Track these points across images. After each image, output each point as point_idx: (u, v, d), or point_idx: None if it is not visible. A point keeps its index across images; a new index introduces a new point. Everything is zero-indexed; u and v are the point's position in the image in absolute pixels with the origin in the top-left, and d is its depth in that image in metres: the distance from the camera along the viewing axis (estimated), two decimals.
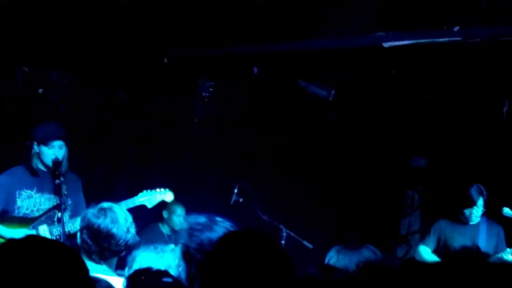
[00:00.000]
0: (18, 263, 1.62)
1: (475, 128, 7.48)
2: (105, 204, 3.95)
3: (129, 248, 3.93)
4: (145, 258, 4.50)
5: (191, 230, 3.43)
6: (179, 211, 7.43)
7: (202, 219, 3.48)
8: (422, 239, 7.04)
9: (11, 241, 1.72)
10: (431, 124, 7.70)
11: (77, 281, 1.69)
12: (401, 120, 7.81)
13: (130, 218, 3.94)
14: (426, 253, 6.85)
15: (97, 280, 3.16)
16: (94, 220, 3.83)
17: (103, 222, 3.81)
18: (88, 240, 3.82)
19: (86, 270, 1.76)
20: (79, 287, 1.69)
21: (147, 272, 3.39)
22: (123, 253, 3.97)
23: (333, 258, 4.01)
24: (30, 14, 6.04)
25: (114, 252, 3.84)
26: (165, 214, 7.52)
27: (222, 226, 3.43)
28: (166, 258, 4.53)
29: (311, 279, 2.82)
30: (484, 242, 6.68)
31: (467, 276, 1.73)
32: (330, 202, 8.56)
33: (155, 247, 4.61)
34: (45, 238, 1.79)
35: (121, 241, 3.80)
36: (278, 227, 6.78)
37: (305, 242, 6.75)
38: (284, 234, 6.76)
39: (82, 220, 3.92)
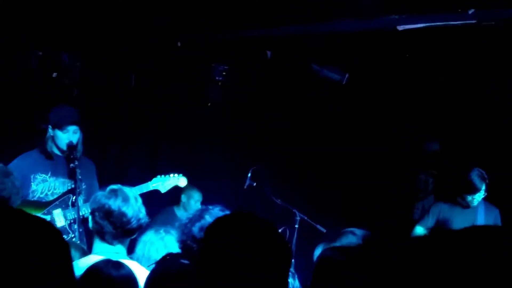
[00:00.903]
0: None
1: (488, 112, 7.45)
2: (114, 186, 4.00)
3: (141, 228, 3.96)
4: (147, 241, 4.57)
5: (183, 226, 3.54)
6: (197, 196, 7.47)
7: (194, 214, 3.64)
8: (420, 220, 7.03)
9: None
10: (445, 108, 7.66)
11: (56, 258, 1.68)
12: (414, 103, 7.78)
13: (140, 199, 3.98)
14: (421, 231, 6.86)
15: (120, 265, 3.18)
16: (105, 200, 3.88)
17: (114, 202, 3.86)
18: (100, 221, 3.87)
19: (67, 249, 1.75)
20: (58, 265, 1.68)
21: (170, 254, 3.49)
22: (136, 234, 4.00)
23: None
24: None
25: (126, 231, 3.87)
26: (183, 198, 7.55)
27: (211, 213, 3.58)
28: (166, 241, 4.60)
29: (329, 259, 2.86)
30: (482, 225, 6.69)
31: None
32: (343, 186, 8.55)
33: (156, 230, 4.68)
34: (26, 214, 1.77)
35: (133, 219, 3.85)
36: (291, 211, 6.79)
37: (318, 226, 6.76)
38: (298, 218, 6.78)
39: (93, 202, 3.97)
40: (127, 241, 3.96)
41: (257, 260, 2.18)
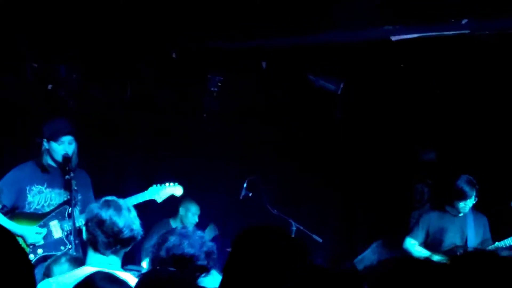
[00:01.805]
0: None
1: (483, 122, 7.47)
2: (108, 197, 4.02)
3: (134, 240, 3.96)
4: None
5: (150, 250, 3.89)
6: (194, 209, 7.49)
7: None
8: (410, 231, 7.05)
9: None
10: (440, 117, 7.68)
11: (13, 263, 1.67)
12: (410, 113, 7.79)
13: (134, 212, 4.00)
14: (412, 246, 6.86)
15: (115, 279, 3.18)
16: (97, 210, 3.90)
17: (106, 213, 3.87)
18: (93, 231, 3.88)
19: (25, 254, 1.73)
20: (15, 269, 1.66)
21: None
22: (130, 246, 3.99)
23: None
24: (38, 9, 6.05)
25: (119, 241, 3.87)
26: (181, 211, 7.56)
27: (176, 233, 3.92)
28: None
29: (317, 268, 2.87)
30: (472, 232, 6.74)
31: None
32: (339, 196, 8.56)
33: None
34: None
35: (125, 229, 3.84)
36: (287, 221, 6.79)
37: (314, 236, 6.76)
38: (294, 228, 6.77)
39: (87, 213, 3.99)
40: (121, 253, 3.95)
41: (282, 272, 2.22)
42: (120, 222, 3.85)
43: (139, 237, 3.99)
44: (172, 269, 3.65)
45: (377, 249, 3.82)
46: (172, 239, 3.85)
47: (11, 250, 1.69)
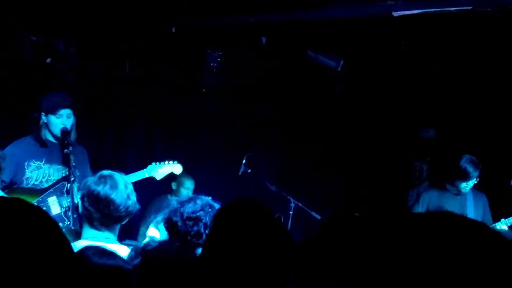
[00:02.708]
0: None
1: (484, 100, 7.45)
2: (105, 172, 4.00)
3: (130, 215, 3.95)
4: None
5: (173, 206, 3.66)
6: (188, 183, 7.41)
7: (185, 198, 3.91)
8: (411, 209, 7.05)
9: None
10: (440, 95, 7.65)
11: (58, 251, 1.66)
12: (409, 90, 7.76)
13: (130, 186, 3.98)
14: None
15: (110, 254, 3.17)
16: (93, 187, 3.88)
17: (102, 189, 3.86)
18: (89, 207, 3.87)
19: (67, 242, 1.72)
20: (60, 259, 1.66)
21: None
22: (125, 220, 3.98)
23: None
24: None
25: (115, 218, 3.87)
26: (173, 185, 7.51)
27: (201, 200, 3.80)
28: None
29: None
30: (472, 211, 6.75)
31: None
32: (338, 173, 8.56)
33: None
34: (26, 203, 1.74)
35: (121, 207, 3.84)
36: (286, 197, 6.78)
37: (313, 213, 6.76)
38: (292, 205, 6.77)
39: (83, 188, 3.98)
40: (117, 227, 3.95)
41: (260, 246, 2.22)
42: (117, 199, 3.84)
43: (135, 211, 3.99)
44: (176, 243, 3.67)
45: None
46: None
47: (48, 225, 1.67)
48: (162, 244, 3.76)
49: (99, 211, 3.85)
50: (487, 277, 1.31)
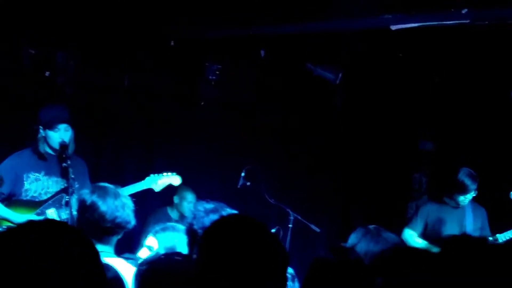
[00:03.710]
0: (31, 246, 1.64)
1: (482, 112, 7.46)
2: (100, 184, 3.98)
3: (121, 228, 3.89)
4: (169, 238, 4.46)
5: (197, 212, 3.56)
6: (190, 197, 7.38)
7: (210, 205, 3.63)
8: (409, 223, 7.04)
9: (28, 223, 1.74)
10: (439, 107, 7.67)
11: (88, 266, 1.70)
12: (408, 103, 7.78)
13: (124, 199, 3.93)
14: (411, 238, 6.85)
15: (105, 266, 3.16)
16: (84, 196, 3.88)
17: (90, 198, 3.84)
18: (80, 217, 3.86)
19: (97, 256, 1.77)
20: (90, 272, 1.70)
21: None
22: (119, 234, 3.94)
23: (354, 240, 3.96)
24: None
25: (104, 229, 3.81)
26: (175, 199, 7.49)
27: (227, 211, 3.64)
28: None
29: (323, 261, 2.86)
30: (471, 224, 6.74)
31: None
32: (337, 186, 8.56)
33: (173, 227, 4.60)
34: (60, 222, 1.80)
35: (107, 216, 3.79)
36: (285, 210, 6.78)
37: (312, 226, 6.76)
38: (292, 217, 6.77)
39: (77, 199, 3.96)
40: (111, 240, 3.90)
41: (255, 262, 2.21)
42: (102, 207, 3.81)
43: (129, 226, 3.93)
44: (178, 258, 3.63)
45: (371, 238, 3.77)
46: None
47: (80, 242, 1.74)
48: (168, 256, 3.73)
49: (87, 220, 3.82)
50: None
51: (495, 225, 6.87)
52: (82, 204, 3.87)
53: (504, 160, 7.40)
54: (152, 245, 4.26)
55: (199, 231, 3.56)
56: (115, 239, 3.93)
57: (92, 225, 3.81)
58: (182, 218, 7.43)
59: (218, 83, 7.50)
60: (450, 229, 6.82)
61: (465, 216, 6.78)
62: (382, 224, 7.51)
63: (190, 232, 3.61)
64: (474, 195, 6.70)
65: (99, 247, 3.78)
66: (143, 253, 4.23)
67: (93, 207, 3.81)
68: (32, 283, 1.59)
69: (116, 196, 3.90)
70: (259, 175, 6.94)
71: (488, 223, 6.91)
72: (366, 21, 5.95)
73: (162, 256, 3.49)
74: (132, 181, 5.85)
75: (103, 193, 3.87)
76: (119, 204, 3.87)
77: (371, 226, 3.86)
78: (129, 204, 3.95)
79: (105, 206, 3.81)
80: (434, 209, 6.91)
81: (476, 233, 6.73)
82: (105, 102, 7.45)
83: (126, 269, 3.60)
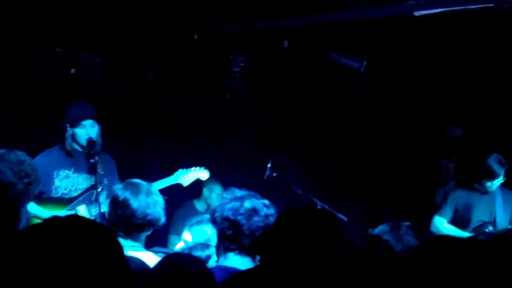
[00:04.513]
0: (54, 240, 1.67)
1: (510, 97, 7.38)
2: (133, 180, 4.02)
3: (151, 225, 3.93)
4: (202, 231, 4.45)
5: (222, 200, 3.54)
6: (219, 189, 7.41)
7: (239, 193, 3.59)
8: (438, 210, 7.00)
9: (53, 219, 1.77)
10: (466, 93, 7.60)
11: (112, 260, 1.73)
12: (434, 89, 7.72)
13: (156, 197, 3.96)
14: (441, 224, 6.81)
15: (129, 259, 3.20)
16: (117, 192, 3.92)
17: (123, 194, 3.88)
18: (112, 213, 3.91)
19: (121, 250, 1.80)
20: (114, 267, 1.73)
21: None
22: (148, 231, 3.98)
23: (381, 231, 3.94)
24: None
25: (134, 226, 3.86)
26: (205, 191, 7.54)
27: (253, 202, 3.52)
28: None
29: (356, 247, 2.92)
30: (501, 210, 6.68)
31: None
32: (364, 174, 8.53)
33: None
34: (83, 218, 1.83)
35: (138, 213, 3.83)
36: (312, 200, 6.78)
37: (339, 215, 6.75)
38: (319, 207, 6.76)
39: (110, 194, 4.00)
40: (141, 236, 3.95)
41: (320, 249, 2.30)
42: (134, 205, 3.85)
43: (159, 224, 3.96)
44: (198, 254, 3.66)
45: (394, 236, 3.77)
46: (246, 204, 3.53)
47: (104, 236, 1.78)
48: (191, 250, 3.75)
49: (118, 216, 3.87)
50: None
51: None
52: (114, 199, 3.92)
53: None
54: (186, 238, 4.30)
55: (218, 219, 3.50)
56: (144, 235, 3.98)
57: (123, 221, 3.86)
58: (209, 210, 7.47)
59: (243, 75, 7.50)
60: (480, 215, 6.78)
61: (495, 202, 6.73)
62: (411, 211, 7.51)
63: (213, 221, 3.57)
64: (502, 181, 6.65)
65: (129, 242, 3.85)
66: (179, 246, 4.28)
67: (125, 203, 3.86)
68: (57, 278, 1.62)
69: (148, 193, 3.94)
70: (286, 165, 6.93)
71: None
72: (389, 8, 5.92)
73: (186, 251, 3.53)
74: (160, 176, 5.89)
75: (136, 189, 3.91)
76: (151, 201, 3.91)
77: (404, 224, 3.84)
78: (161, 202, 3.99)
79: (137, 203, 3.86)
80: (463, 195, 6.87)
81: (506, 218, 6.68)
82: (131, 99, 7.50)
83: (155, 262, 3.65)
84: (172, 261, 2.75)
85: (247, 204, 3.48)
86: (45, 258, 1.63)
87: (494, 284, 1.47)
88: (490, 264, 1.61)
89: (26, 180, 3.86)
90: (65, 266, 1.63)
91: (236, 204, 3.48)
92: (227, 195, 3.61)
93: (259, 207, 3.48)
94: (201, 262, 2.90)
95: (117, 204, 3.90)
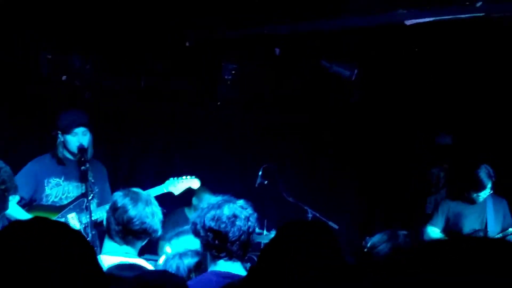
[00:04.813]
0: (21, 244, 1.64)
1: (500, 105, 7.41)
2: (135, 189, 4.03)
3: (148, 234, 3.94)
4: (182, 242, 4.47)
5: (201, 209, 3.56)
6: (208, 198, 7.39)
7: (212, 199, 3.65)
8: (430, 219, 7.02)
9: (14, 223, 1.74)
10: (456, 101, 7.63)
11: (83, 264, 1.70)
12: (425, 97, 7.75)
13: (154, 207, 3.97)
14: (434, 233, 6.84)
15: (130, 266, 3.20)
16: (117, 198, 3.94)
17: (122, 201, 3.89)
18: (108, 217, 3.91)
19: (92, 253, 1.77)
20: (85, 270, 1.70)
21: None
22: (144, 239, 3.98)
23: (378, 240, 3.94)
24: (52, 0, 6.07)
25: (131, 232, 3.87)
26: (194, 201, 7.50)
27: (230, 206, 3.55)
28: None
29: (352, 268, 2.92)
30: (492, 218, 6.71)
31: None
32: (355, 182, 8.54)
33: (188, 230, 4.59)
34: (51, 220, 1.80)
35: (135, 219, 3.84)
36: (303, 208, 6.78)
37: (330, 223, 6.75)
38: (310, 215, 6.76)
39: (111, 200, 4.01)
40: (137, 243, 3.95)
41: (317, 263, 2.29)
42: (132, 212, 3.86)
43: (155, 235, 3.96)
44: (188, 261, 3.66)
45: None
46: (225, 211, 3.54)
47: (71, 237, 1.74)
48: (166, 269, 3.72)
49: (116, 223, 3.87)
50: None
51: None
52: (113, 204, 3.93)
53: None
54: (168, 251, 4.30)
55: (201, 231, 3.51)
56: (139, 244, 3.98)
57: (120, 226, 3.87)
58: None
59: (234, 82, 7.50)
60: (471, 223, 6.80)
61: (486, 209, 6.75)
62: (401, 219, 7.51)
63: (196, 233, 3.59)
64: (489, 193, 6.66)
65: (124, 248, 3.86)
66: (162, 261, 4.27)
67: (123, 209, 3.87)
68: (28, 283, 1.60)
69: (148, 203, 3.95)
70: (277, 173, 6.93)
71: (510, 213, 6.86)
72: (380, 17, 5.93)
73: (176, 257, 3.52)
74: (151, 184, 5.87)
75: (136, 197, 3.93)
76: (149, 211, 3.91)
77: (401, 232, 3.84)
78: (159, 213, 3.99)
79: (135, 211, 3.86)
80: (454, 204, 6.89)
81: (498, 226, 6.70)
82: (122, 105, 7.48)
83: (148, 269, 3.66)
84: (145, 280, 2.75)
85: (226, 211, 3.51)
86: (6, 263, 1.61)
87: (494, 284, 1.47)
88: (490, 264, 1.61)
89: (2, 187, 3.90)
90: (30, 269, 1.60)
91: (216, 212, 3.51)
92: (205, 204, 3.63)
93: (238, 212, 3.52)
94: (175, 277, 2.92)
95: (115, 209, 3.91)
